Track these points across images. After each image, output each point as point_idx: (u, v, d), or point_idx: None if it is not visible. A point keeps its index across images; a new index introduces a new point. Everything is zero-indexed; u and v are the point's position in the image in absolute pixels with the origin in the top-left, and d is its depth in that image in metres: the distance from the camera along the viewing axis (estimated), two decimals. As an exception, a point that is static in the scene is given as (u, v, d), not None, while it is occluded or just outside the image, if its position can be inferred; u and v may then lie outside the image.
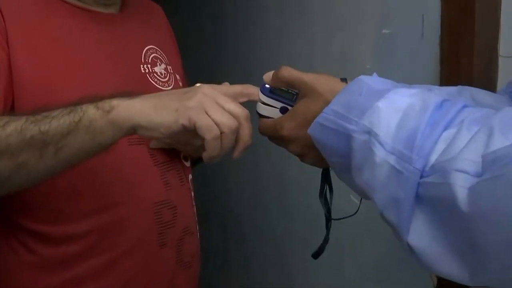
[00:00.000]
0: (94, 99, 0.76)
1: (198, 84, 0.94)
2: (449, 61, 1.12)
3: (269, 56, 1.75)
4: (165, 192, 1.01)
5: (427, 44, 1.16)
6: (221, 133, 0.72)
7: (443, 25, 1.13)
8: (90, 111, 0.74)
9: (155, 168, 1.01)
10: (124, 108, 0.74)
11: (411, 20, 1.20)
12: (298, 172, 1.56)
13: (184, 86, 1.17)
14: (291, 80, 0.76)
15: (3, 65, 0.88)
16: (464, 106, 0.62)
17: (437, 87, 0.86)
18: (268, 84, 0.79)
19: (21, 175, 0.77)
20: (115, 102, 0.75)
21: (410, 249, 0.60)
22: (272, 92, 0.79)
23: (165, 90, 1.08)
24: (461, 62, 1.08)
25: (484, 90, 0.86)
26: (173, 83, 1.11)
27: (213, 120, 0.72)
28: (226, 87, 0.82)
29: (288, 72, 0.77)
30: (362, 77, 0.70)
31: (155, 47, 1.12)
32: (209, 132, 0.71)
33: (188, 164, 1.10)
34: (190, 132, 0.73)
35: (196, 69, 1.27)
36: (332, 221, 0.83)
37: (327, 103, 0.69)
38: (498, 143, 0.52)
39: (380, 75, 1.25)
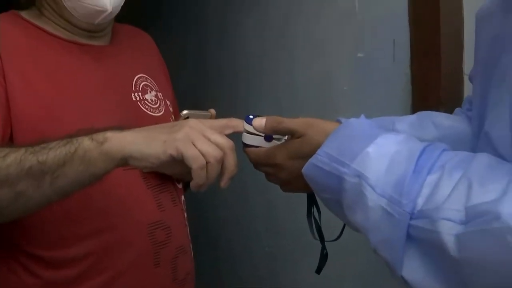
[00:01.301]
0: (89, 131, 0.82)
1: (184, 112, 1.01)
2: (419, 81, 1.21)
3: (254, 78, 1.83)
4: (158, 213, 1.06)
5: (398, 66, 1.25)
6: (207, 163, 0.78)
7: (412, 49, 1.22)
8: (85, 143, 0.80)
9: (149, 190, 1.06)
10: (117, 140, 0.80)
11: (384, 44, 1.29)
12: (284, 192, 1.63)
13: (174, 111, 1.23)
14: (283, 131, 0.83)
15: (0, 99, 0.94)
16: (443, 150, 0.70)
17: (400, 117, 0.94)
18: (252, 115, 0.86)
19: (20, 203, 0.82)
20: (108, 134, 0.81)
21: (405, 281, 0.67)
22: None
23: (156, 116, 1.14)
24: (429, 81, 1.17)
25: (442, 113, 0.95)
26: (163, 109, 1.17)
27: (199, 150, 0.77)
28: (211, 120, 0.89)
29: (279, 124, 0.83)
30: (352, 120, 0.77)
31: (145, 75, 1.17)
32: (195, 162, 0.77)
33: (180, 186, 1.16)
34: (178, 162, 0.79)
35: (180, 95, 1.33)
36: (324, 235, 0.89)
37: (320, 145, 0.76)
38: (478, 195, 0.60)
39: (356, 96, 1.34)
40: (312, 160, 0.75)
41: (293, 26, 1.61)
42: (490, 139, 0.71)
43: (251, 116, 0.85)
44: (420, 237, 0.64)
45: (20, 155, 0.80)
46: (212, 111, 1.06)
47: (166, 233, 1.07)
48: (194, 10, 2.12)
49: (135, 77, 1.14)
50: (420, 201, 0.64)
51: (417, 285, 0.65)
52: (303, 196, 0.92)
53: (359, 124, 0.76)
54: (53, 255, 0.99)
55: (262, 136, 0.85)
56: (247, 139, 0.86)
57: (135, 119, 1.07)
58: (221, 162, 0.79)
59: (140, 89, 1.14)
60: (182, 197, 1.16)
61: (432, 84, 1.16)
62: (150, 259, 1.04)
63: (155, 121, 1.10)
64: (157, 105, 1.15)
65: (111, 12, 1.04)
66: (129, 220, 1.02)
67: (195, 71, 2.15)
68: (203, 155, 0.77)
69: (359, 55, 1.38)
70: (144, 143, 0.80)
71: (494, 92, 0.74)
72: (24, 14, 1.08)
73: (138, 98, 1.12)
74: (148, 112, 1.12)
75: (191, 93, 2.11)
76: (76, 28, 1.07)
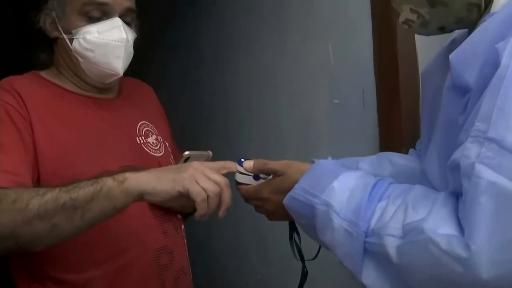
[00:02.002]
0: (111, 173, 1.00)
1: (186, 152, 1.19)
2: (384, 124, 1.41)
3: (243, 116, 2.02)
4: (163, 240, 1.23)
5: (367, 111, 1.46)
6: (208, 197, 0.96)
7: (378, 97, 1.43)
8: (109, 182, 0.98)
9: (155, 220, 1.24)
10: (134, 179, 0.98)
11: (355, 92, 1.50)
12: (273, 224, 1.81)
13: (173, 151, 1.41)
14: (268, 171, 1.03)
15: (29, 146, 1.12)
16: (390, 183, 0.89)
17: (364, 158, 1.13)
18: (243, 159, 1.05)
19: (54, 234, 0.99)
20: (127, 175, 0.99)
21: (364, 286, 0.85)
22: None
23: (157, 156, 1.31)
24: (393, 124, 1.38)
25: (398, 153, 1.14)
26: (163, 150, 1.35)
27: (201, 187, 0.96)
28: (211, 163, 1.06)
29: (264, 165, 1.03)
30: (321, 161, 0.97)
31: (146, 122, 1.35)
32: (198, 196, 0.96)
33: (179, 216, 1.34)
34: (184, 197, 0.97)
35: (179, 129, 1.51)
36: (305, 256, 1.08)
37: (297, 181, 0.95)
38: (411, 215, 0.78)
39: (333, 136, 1.53)
40: (291, 193, 0.94)
41: (277, 75, 1.82)
42: (425, 173, 0.91)
43: (242, 160, 1.04)
44: (373, 250, 0.83)
45: (56, 193, 0.97)
46: (210, 152, 1.24)
47: (170, 257, 1.23)
48: (191, 54, 2.33)
49: (138, 123, 1.32)
50: (372, 223, 0.83)
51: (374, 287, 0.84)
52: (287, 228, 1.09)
53: (327, 164, 0.96)
54: (74, 278, 1.15)
55: (251, 175, 1.04)
56: (239, 178, 1.05)
57: (140, 159, 1.25)
58: (219, 196, 0.98)
59: (143, 133, 1.32)
60: (182, 226, 1.34)
61: (394, 127, 1.36)
62: (156, 280, 1.21)
63: (157, 160, 1.29)
64: (158, 147, 1.33)
65: (120, 74, 1.23)
66: (139, 245, 1.19)
67: (191, 108, 2.33)
68: (204, 190, 0.96)
69: (335, 101, 1.59)
70: (157, 181, 0.98)
71: (430, 142, 0.94)
72: (43, 73, 1.26)
73: (141, 142, 1.30)
74: (150, 153, 1.30)
75: (188, 127, 2.29)
76: (89, 85, 1.25)
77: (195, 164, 1.01)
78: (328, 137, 1.61)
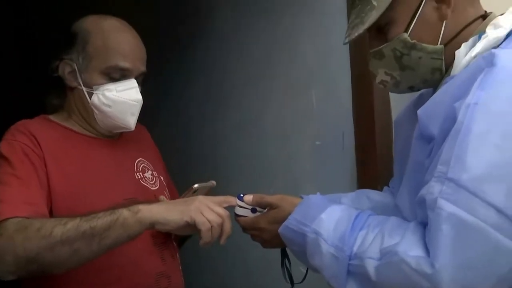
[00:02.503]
0: (125, 205, 1.14)
1: (195, 185, 1.32)
2: (361, 164, 1.59)
3: (232, 160, 2.19)
4: (162, 266, 1.37)
5: (346, 152, 1.64)
6: (211, 226, 1.11)
7: (356, 140, 1.61)
8: (124, 213, 1.12)
9: (155, 247, 1.37)
10: (147, 210, 1.13)
11: (335, 135, 1.68)
12: (260, 254, 1.95)
13: (168, 183, 1.54)
14: (265, 204, 1.18)
15: (44, 182, 1.25)
16: (369, 215, 1.05)
17: (346, 194, 1.29)
18: (242, 194, 1.21)
19: (74, 259, 1.12)
20: (140, 206, 1.14)
21: None
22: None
23: (153, 189, 1.45)
24: (369, 165, 1.56)
25: (374, 191, 1.31)
26: (158, 183, 1.49)
27: (206, 218, 1.12)
28: (214, 197, 1.21)
29: (261, 199, 1.19)
30: (311, 196, 1.13)
31: (143, 159, 1.50)
32: (203, 226, 1.11)
33: (175, 245, 1.48)
34: (191, 226, 1.12)
35: (173, 172, 1.65)
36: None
37: (290, 213, 1.10)
38: (387, 241, 0.93)
39: (315, 175, 1.70)
40: (285, 223, 1.10)
41: (265, 119, 2.00)
42: (398, 207, 1.08)
43: (241, 195, 1.20)
44: (356, 271, 0.98)
45: (77, 222, 1.11)
46: (213, 182, 1.37)
47: (168, 281, 1.37)
48: (178, 105, 2.50)
49: (136, 160, 1.46)
50: (355, 248, 0.99)
51: None
52: (273, 261, 1.24)
53: (315, 199, 1.13)
54: None
55: (249, 209, 1.20)
56: (238, 211, 1.20)
57: (139, 192, 1.39)
58: (221, 226, 1.13)
59: (140, 169, 1.46)
60: (177, 254, 1.47)
61: (370, 168, 1.54)
62: None
63: (153, 193, 1.43)
64: (154, 181, 1.47)
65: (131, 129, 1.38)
66: (141, 270, 1.32)
67: (182, 154, 2.47)
68: (208, 221, 1.12)
69: (317, 143, 1.77)
70: (167, 213, 1.13)
71: (403, 174, 1.12)
72: (52, 117, 1.40)
73: (139, 177, 1.44)
74: (148, 186, 1.44)
75: (180, 171, 2.43)
76: (96, 130, 1.40)
77: (200, 198, 1.16)
78: (311, 175, 1.78)
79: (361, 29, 1.06)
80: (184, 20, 2.43)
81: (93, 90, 1.34)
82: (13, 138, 1.28)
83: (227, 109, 2.20)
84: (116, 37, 1.35)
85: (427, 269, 0.86)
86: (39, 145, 1.28)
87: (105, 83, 1.33)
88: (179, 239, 1.51)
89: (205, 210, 1.13)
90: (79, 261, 1.14)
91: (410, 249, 0.89)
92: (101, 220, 1.12)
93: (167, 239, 1.42)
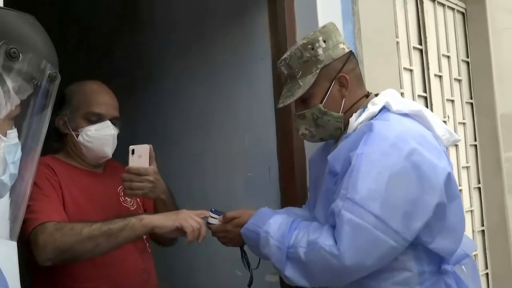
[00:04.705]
0: (133, 215, 1.63)
1: (131, 147, 1.74)
2: (284, 191, 2.16)
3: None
4: (142, 264, 1.83)
5: (272, 183, 2.20)
6: (193, 230, 1.62)
7: (280, 173, 2.18)
8: (133, 220, 1.60)
9: (136, 250, 1.82)
10: (148, 219, 1.62)
11: (263, 169, 2.24)
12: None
13: (144, 203, 1.98)
14: (230, 217, 1.69)
15: (61, 200, 1.70)
16: (300, 221, 1.59)
17: (281, 210, 1.82)
18: (213, 209, 1.72)
19: (96, 251, 1.58)
20: (144, 215, 1.63)
21: (286, 277, 1.53)
22: (215, 212, 1.72)
23: (132, 209, 1.90)
24: (290, 191, 2.12)
25: (298, 208, 1.86)
26: (135, 204, 1.94)
27: (190, 224, 1.62)
28: (194, 211, 1.69)
29: (228, 214, 1.70)
30: (262, 209, 1.66)
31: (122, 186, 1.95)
32: (188, 229, 1.61)
33: (150, 250, 1.93)
34: (179, 230, 1.62)
35: None
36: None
37: (247, 220, 1.62)
38: (312, 236, 1.47)
39: (247, 199, 2.26)
40: (245, 226, 1.62)
41: (206, 157, 2.52)
42: (316, 218, 1.65)
43: (213, 209, 1.72)
44: (292, 256, 1.51)
45: (99, 225, 1.57)
46: (150, 146, 1.74)
47: (148, 275, 1.85)
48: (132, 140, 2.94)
49: (118, 188, 1.90)
50: (291, 242, 1.52)
51: (292, 279, 1.52)
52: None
53: (265, 210, 1.66)
54: (83, 286, 1.71)
55: (217, 219, 1.71)
56: (211, 220, 1.72)
57: (122, 211, 1.84)
58: (199, 230, 1.63)
59: (122, 195, 1.92)
60: (152, 258, 1.93)
61: (291, 193, 2.11)
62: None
63: (132, 211, 1.87)
64: (132, 203, 1.94)
65: (109, 157, 1.85)
66: (127, 266, 1.78)
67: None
68: (191, 226, 1.61)
69: (249, 174, 2.32)
70: (163, 220, 1.62)
71: (317, 200, 1.69)
72: (57, 155, 1.85)
73: (122, 200, 1.91)
74: (128, 207, 1.90)
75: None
76: (87, 163, 1.86)
77: (185, 211, 1.67)
78: (245, 200, 2.32)
79: (291, 99, 1.63)
80: (140, 66, 2.89)
81: (78, 132, 1.81)
82: (37, 168, 1.71)
83: (171, 152, 2.65)
84: (92, 92, 1.84)
85: (335, 252, 1.42)
86: (56, 174, 1.74)
87: (86, 126, 1.80)
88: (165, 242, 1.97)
89: (189, 219, 1.63)
90: (99, 252, 1.60)
91: (325, 240, 1.45)
92: (117, 224, 1.59)
93: (144, 245, 1.90)
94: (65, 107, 1.83)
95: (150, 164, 1.74)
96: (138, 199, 1.98)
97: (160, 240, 1.97)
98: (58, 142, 1.88)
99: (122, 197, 1.92)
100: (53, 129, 1.85)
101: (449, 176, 1.46)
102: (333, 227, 1.48)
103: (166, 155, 2.64)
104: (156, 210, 1.87)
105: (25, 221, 1.56)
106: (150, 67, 2.83)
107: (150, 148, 1.75)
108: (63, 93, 1.85)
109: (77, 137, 1.81)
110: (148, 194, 1.76)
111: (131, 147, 1.74)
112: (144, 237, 1.88)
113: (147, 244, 1.92)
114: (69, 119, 1.82)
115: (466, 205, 3.15)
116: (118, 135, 1.85)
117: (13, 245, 1.29)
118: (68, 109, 1.82)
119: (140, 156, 1.73)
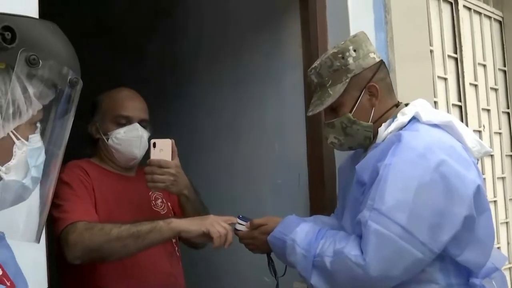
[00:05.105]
0: (161, 219, 1.66)
1: (153, 140, 1.77)
2: (313, 199, 2.16)
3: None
4: (170, 268, 1.87)
5: (301, 190, 2.20)
6: (220, 235, 1.64)
7: (309, 180, 2.18)
8: (161, 223, 1.63)
9: (165, 255, 1.87)
10: (176, 223, 1.64)
11: (293, 176, 2.25)
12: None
13: (174, 208, 2.00)
14: (257, 224, 1.71)
15: (93, 202, 1.75)
16: (327, 230, 1.59)
17: (308, 218, 1.83)
18: (241, 216, 1.74)
19: (123, 251, 1.62)
20: (172, 219, 1.65)
21: (312, 285, 1.54)
22: (242, 219, 1.74)
23: (162, 213, 1.93)
24: (319, 199, 2.13)
25: (326, 216, 1.87)
26: (166, 208, 1.98)
27: (216, 229, 1.64)
28: (222, 217, 1.71)
29: (256, 221, 1.72)
30: (289, 216, 1.67)
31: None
32: (215, 234, 1.63)
33: (179, 254, 1.97)
34: (206, 235, 1.64)
35: None
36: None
37: (274, 227, 1.63)
38: (338, 245, 1.48)
39: (276, 206, 2.27)
40: (272, 233, 1.63)
41: (236, 164, 2.55)
42: (343, 227, 1.65)
43: (240, 216, 1.74)
44: (318, 265, 1.52)
45: (128, 227, 1.60)
46: (172, 140, 1.76)
47: (175, 279, 1.88)
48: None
49: (150, 192, 1.96)
50: (317, 250, 1.53)
51: (318, 286, 1.54)
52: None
53: (292, 218, 1.67)
54: (109, 286, 1.75)
55: (244, 225, 1.73)
56: (238, 226, 1.74)
57: (153, 215, 1.88)
58: (226, 236, 1.65)
59: (153, 198, 1.97)
60: (180, 262, 1.97)
61: (320, 200, 2.12)
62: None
63: (162, 215, 1.90)
64: (163, 207, 1.98)
65: (138, 159, 1.90)
66: (156, 269, 1.82)
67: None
68: (218, 232, 1.63)
69: (278, 181, 2.34)
70: (190, 224, 1.65)
71: (345, 209, 1.69)
72: (92, 159, 1.91)
73: (153, 204, 1.95)
74: (159, 211, 1.94)
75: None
76: (119, 167, 1.91)
77: (212, 216, 1.70)
78: (273, 206, 2.34)
79: (321, 108, 1.64)
80: (172, 73, 2.94)
81: (108, 136, 1.86)
82: (71, 170, 1.78)
83: (201, 161, 2.70)
84: (120, 96, 1.90)
85: (361, 262, 1.42)
86: (89, 176, 1.79)
87: (115, 129, 1.85)
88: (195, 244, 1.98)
89: (216, 224, 1.65)
90: (127, 253, 1.64)
91: (351, 250, 1.45)
92: (145, 226, 1.62)
93: (173, 249, 1.93)
94: (96, 113, 1.90)
95: (172, 159, 1.76)
96: (169, 204, 2.02)
97: (189, 242, 2.01)
98: (92, 147, 1.94)
99: (153, 201, 1.97)
100: (87, 135, 1.93)
101: (479, 188, 1.44)
102: (360, 237, 1.47)
103: (196, 162, 2.69)
104: (180, 206, 1.90)
105: (57, 220, 1.67)
106: (181, 74, 2.87)
107: (172, 143, 1.76)
108: (95, 100, 1.93)
109: (108, 141, 1.86)
110: (170, 187, 1.77)
111: (152, 140, 1.76)
112: (173, 241, 1.92)
113: (176, 248, 1.95)
114: (100, 124, 1.89)
115: (501, 216, 3.09)
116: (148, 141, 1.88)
117: (39, 247, 1.30)
118: (99, 115, 1.89)
119: (162, 150, 1.75)
